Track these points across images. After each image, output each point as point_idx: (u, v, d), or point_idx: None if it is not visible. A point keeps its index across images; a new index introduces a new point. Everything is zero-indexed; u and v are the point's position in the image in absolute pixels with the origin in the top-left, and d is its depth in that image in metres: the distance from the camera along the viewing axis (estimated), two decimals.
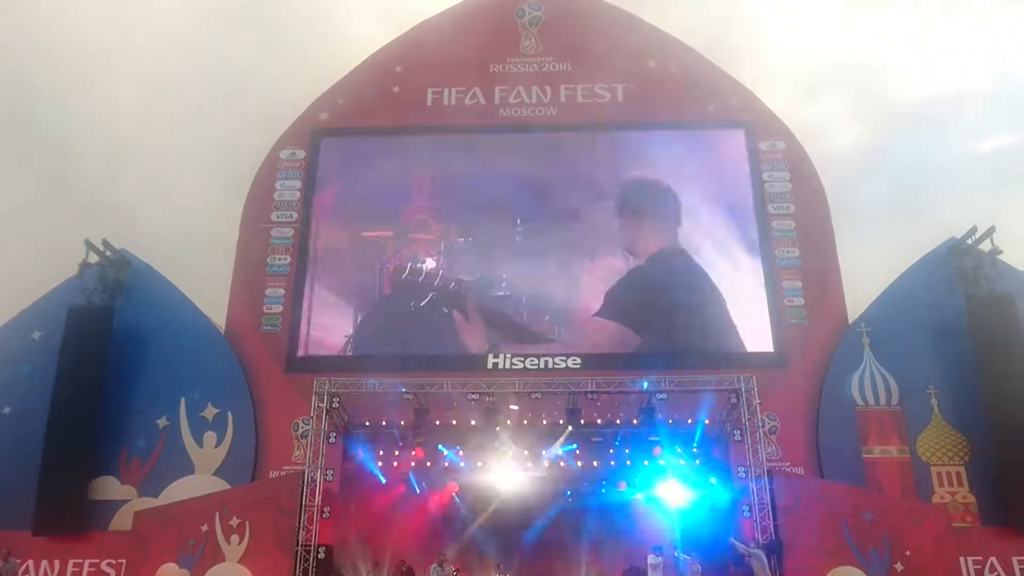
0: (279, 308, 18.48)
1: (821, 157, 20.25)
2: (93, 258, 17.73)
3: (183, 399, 17.21)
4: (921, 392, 16.85)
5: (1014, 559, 15.03)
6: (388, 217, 19.48)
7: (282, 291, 18.65)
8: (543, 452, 16.80)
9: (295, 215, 19.47)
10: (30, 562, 15.34)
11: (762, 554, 13.24)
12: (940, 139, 32.07)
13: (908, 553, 13.65)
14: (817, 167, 19.67)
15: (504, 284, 18.91)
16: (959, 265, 17.57)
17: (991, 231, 17.14)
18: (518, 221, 19.37)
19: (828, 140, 31.61)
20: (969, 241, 17.53)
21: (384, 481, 17.36)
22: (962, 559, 14.74)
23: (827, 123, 33.11)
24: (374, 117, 20.54)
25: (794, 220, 19.00)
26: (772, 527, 14.02)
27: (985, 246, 17.28)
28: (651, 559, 14.65)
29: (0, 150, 28.38)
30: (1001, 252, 17.14)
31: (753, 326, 18.02)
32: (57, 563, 15.50)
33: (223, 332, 18.22)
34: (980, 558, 15.03)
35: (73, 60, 29.82)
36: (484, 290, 18.85)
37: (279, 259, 19.00)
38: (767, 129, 20.03)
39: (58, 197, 28.39)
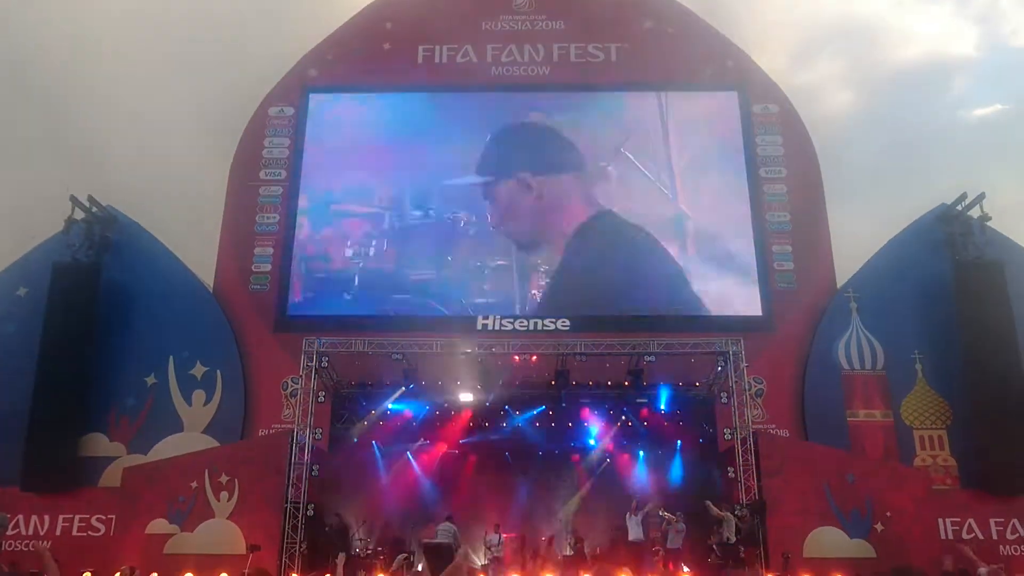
0: (268, 267, 18.36)
1: (813, 121, 20.19)
2: (79, 214, 17.48)
3: (172, 357, 17.18)
4: (906, 357, 17.03)
5: (991, 521, 15.36)
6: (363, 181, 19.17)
7: (271, 250, 18.51)
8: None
9: (284, 173, 19.25)
10: (20, 517, 15.42)
11: (732, 520, 13.57)
12: (932, 105, 32.07)
13: (889, 514, 13.87)
14: (809, 131, 19.60)
15: (486, 285, 17.91)
16: (948, 231, 17.62)
17: (981, 197, 17.14)
18: (521, 174, 18.68)
19: (820, 104, 31.50)
20: (959, 207, 17.56)
21: (373, 441, 17.50)
22: (940, 520, 15.03)
23: (820, 87, 32.96)
24: (364, 74, 20.20)
25: (786, 184, 18.95)
26: (756, 488, 14.21)
27: (975, 212, 17.31)
28: (633, 517, 14.90)
29: None
30: (990, 219, 17.18)
31: (742, 290, 18.06)
32: (47, 518, 15.59)
33: (211, 291, 18.13)
34: (958, 519, 15.33)
35: (62, 17, 29.19)
36: (450, 294, 17.91)
37: (268, 217, 18.83)
38: (761, 92, 19.87)
39: (43, 153, 27.99)
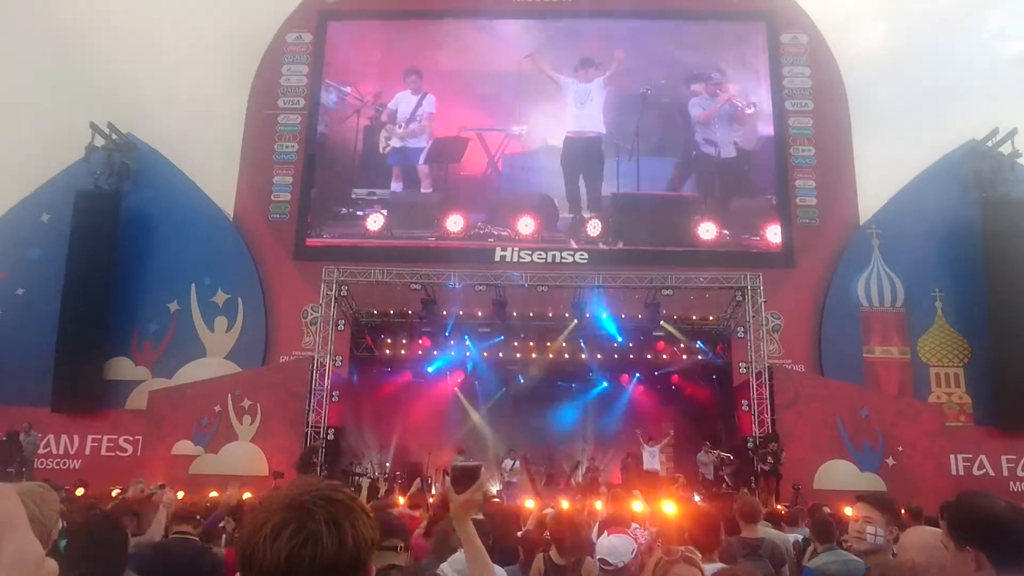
0: (287, 196, 18.39)
1: (843, 54, 19.57)
2: (99, 141, 17.54)
3: (193, 284, 17.42)
4: (926, 294, 16.91)
5: (1003, 458, 15.48)
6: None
7: (290, 179, 18.51)
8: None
9: (302, 102, 19.07)
10: (51, 436, 15.95)
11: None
12: (966, 40, 30.90)
13: (900, 449, 13.99)
14: (839, 64, 19.05)
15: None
16: (977, 168, 17.27)
17: (1013, 133, 16.72)
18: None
19: (851, 37, 30.43)
20: (989, 143, 17.15)
21: (391, 368, 17.76)
22: (952, 456, 15.17)
23: (851, 20, 31.84)
24: (383, 0, 19.80)
25: (812, 118, 18.54)
26: (770, 421, 14.34)
27: (1005, 149, 16.91)
28: (647, 447, 15.14)
29: (5, 32, 27.59)
30: (1021, 155, 16.78)
31: (763, 225, 17.87)
32: (76, 438, 16.13)
33: (231, 219, 18.21)
34: (970, 456, 15.46)
35: None
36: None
37: (286, 147, 18.75)
38: (790, 21, 19.26)
39: (62, 81, 27.82)
